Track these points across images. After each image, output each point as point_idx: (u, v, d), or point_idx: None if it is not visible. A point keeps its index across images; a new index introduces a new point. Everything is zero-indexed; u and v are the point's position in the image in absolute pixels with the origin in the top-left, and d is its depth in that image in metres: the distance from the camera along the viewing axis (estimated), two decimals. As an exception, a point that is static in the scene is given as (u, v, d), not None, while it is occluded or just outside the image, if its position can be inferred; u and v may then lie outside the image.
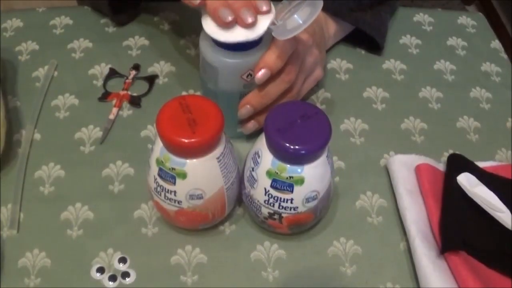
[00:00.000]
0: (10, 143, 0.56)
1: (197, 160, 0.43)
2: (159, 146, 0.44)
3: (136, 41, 0.68)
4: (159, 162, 0.44)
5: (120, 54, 0.66)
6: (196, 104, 0.44)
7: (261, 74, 0.49)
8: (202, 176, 0.44)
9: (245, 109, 0.52)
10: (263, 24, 0.47)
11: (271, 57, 0.49)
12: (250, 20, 0.46)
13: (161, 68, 0.65)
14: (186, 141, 0.42)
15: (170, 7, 0.72)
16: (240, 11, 0.46)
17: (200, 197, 0.45)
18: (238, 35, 0.47)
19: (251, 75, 0.50)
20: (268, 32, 0.48)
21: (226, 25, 0.46)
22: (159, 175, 0.45)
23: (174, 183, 0.44)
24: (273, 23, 0.48)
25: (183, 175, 0.44)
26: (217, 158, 0.44)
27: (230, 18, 0.46)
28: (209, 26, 0.48)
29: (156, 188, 0.46)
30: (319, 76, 0.58)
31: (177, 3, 0.72)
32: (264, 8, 0.47)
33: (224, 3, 0.46)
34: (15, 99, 0.60)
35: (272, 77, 0.50)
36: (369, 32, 0.65)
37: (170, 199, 0.46)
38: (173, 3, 0.73)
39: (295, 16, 0.47)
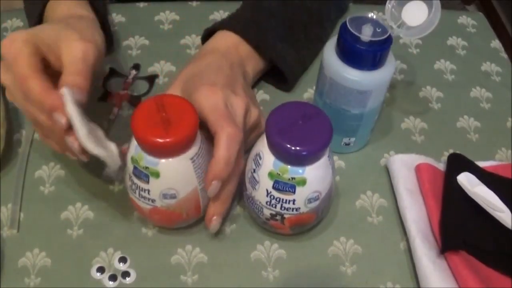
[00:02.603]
0: (10, 143, 0.55)
1: (170, 160, 0.43)
2: (134, 144, 0.44)
3: (136, 41, 0.68)
4: (133, 160, 0.44)
5: (120, 54, 0.66)
6: (172, 103, 0.43)
7: (213, 188, 0.45)
8: (175, 176, 0.44)
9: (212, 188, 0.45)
10: None
11: (219, 166, 0.44)
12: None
13: (161, 68, 0.65)
14: (158, 140, 0.41)
15: (170, 7, 0.72)
16: None
17: (173, 196, 0.45)
18: None
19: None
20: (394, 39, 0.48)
21: None
22: (133, 173, 0.45)
23: (148, 182, 0.44)
24: (390, 27, 0.48)
25: (156, 174, 0.43)
26: (191, 158, 0.44)
27: None
28: None
29: (131, 185, 0.46)
30: (262, 129, 0.53)
31: (178, 3, 0.73)
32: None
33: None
34: (15, 99, 0.60)
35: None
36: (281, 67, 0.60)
37: (144, 197, 0.46)
38: (174, 3, 0.73)
39: (408, 12, 0.48)
